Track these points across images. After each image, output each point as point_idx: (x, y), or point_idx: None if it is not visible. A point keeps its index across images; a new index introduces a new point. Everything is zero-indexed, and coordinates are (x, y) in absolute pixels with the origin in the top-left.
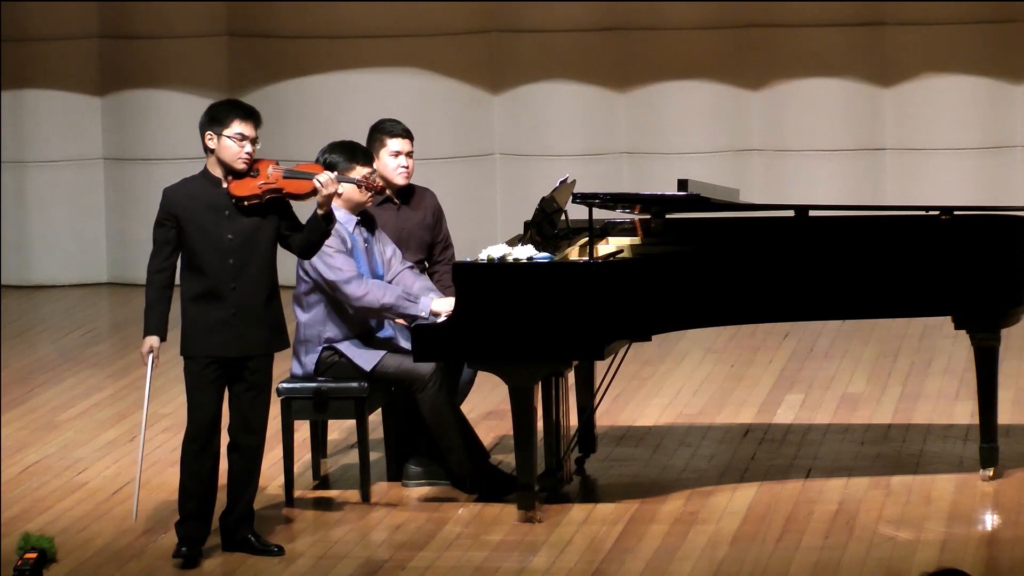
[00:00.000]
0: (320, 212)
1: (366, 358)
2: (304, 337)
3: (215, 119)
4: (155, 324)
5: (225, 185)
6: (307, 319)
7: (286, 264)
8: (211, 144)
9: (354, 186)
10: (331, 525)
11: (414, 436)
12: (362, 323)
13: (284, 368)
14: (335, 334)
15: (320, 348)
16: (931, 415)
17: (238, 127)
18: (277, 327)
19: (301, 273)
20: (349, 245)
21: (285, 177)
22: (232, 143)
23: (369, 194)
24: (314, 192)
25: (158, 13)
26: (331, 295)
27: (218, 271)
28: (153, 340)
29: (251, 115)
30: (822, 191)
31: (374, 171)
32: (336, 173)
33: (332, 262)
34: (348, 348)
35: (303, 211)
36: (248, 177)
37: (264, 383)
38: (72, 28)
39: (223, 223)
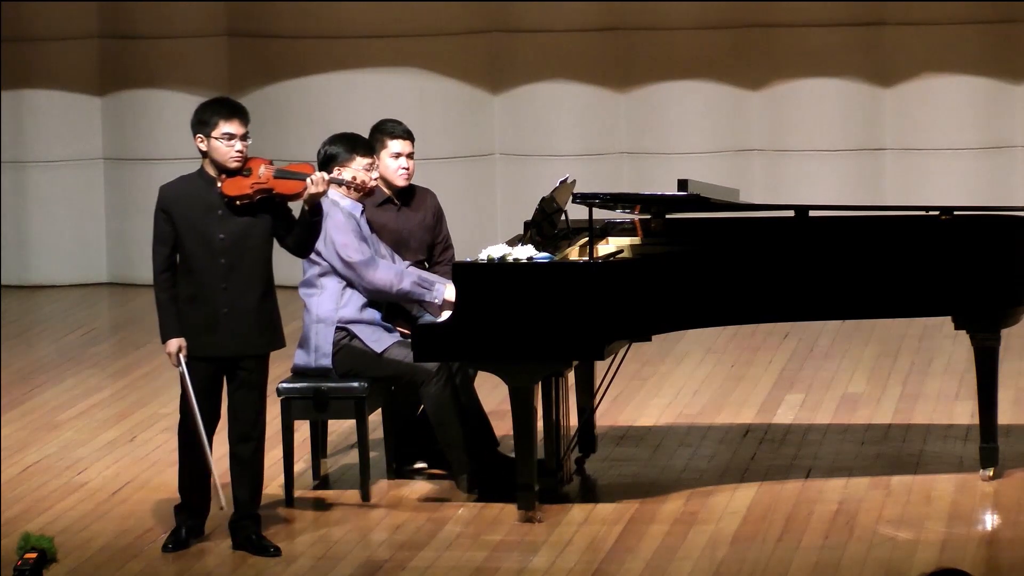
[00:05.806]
0: (306, 208)
1: (378, 341)
2: (318, 318)
3: (202, 121)
4: (174, 326)
5: (219, 184)
6: (321, 299)
7: (287, 256)
8: (202, 147)
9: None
10: (331, 525)
11: (414, 436)
12: (376, 307)
13: (283, 369)
14: (349, 314)
15: (334, 327)
16: (931, 415)
17: (224, 127)
18: (271, 326)
19: (313, 256)
20: (361, 229)
21: (276, 177)
22: (221, 144)
23: (361, 190)
24: (304, 192)
25: (158, 13)
26: (346, 277)
27: (209, 271)
28: (180, 341)
29: (236, 112)
30: (822, 191)
31: (375, 162)
32: (328, 174)
33: (350, 243)
34: (361, 330)
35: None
36: (240, 176)
37: (258, 382)
38: (72, 28)
39: (215, 223)
